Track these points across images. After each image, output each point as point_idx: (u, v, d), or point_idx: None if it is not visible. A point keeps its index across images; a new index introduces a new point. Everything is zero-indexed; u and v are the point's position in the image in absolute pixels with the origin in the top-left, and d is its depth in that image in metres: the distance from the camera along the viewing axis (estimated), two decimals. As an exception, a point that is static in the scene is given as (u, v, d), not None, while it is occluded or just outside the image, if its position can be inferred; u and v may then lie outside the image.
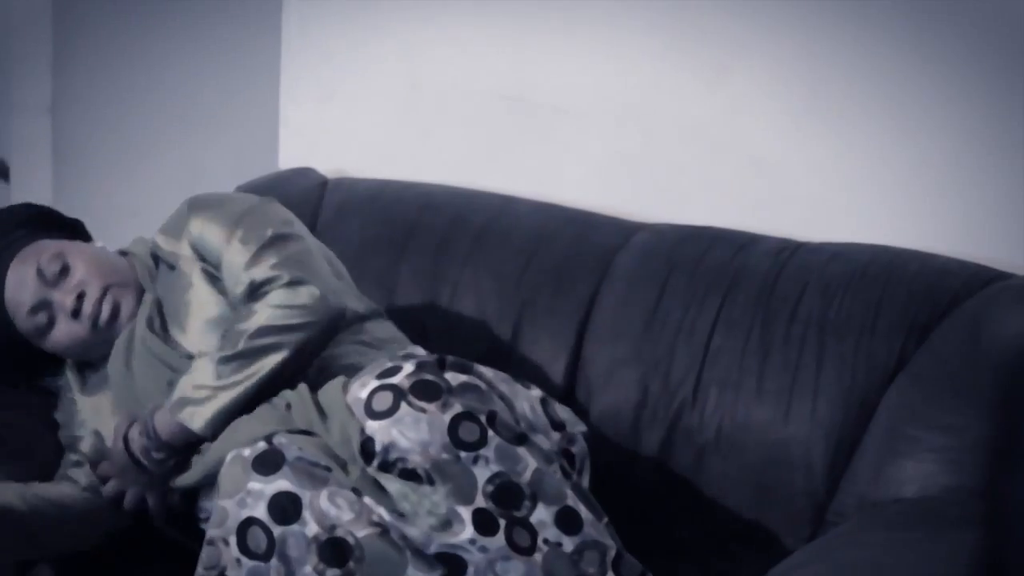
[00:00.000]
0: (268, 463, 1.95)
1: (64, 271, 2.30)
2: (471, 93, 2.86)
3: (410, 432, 1.95)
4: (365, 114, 3.01)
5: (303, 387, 2.08)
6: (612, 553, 1.99)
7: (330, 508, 1.92)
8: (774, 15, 2.52)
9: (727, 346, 2.36)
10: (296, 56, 3.06)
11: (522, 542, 1.95)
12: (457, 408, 1.98)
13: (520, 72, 2.80)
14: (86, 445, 2.28)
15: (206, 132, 3.48)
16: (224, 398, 2.10)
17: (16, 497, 2.18)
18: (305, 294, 2.14)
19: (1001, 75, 2.36)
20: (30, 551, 2.19)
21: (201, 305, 2.26)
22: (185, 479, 2.14)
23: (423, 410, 1.96)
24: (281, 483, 1.93)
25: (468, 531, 1.94)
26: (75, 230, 2.43)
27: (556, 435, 2.13)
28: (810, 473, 2.25)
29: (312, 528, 1.92)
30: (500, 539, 1.94)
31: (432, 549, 1.93)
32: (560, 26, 2.74)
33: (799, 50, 2.52)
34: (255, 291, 2.17)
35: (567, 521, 1.98)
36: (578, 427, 2.18)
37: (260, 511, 1.92)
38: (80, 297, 2.28)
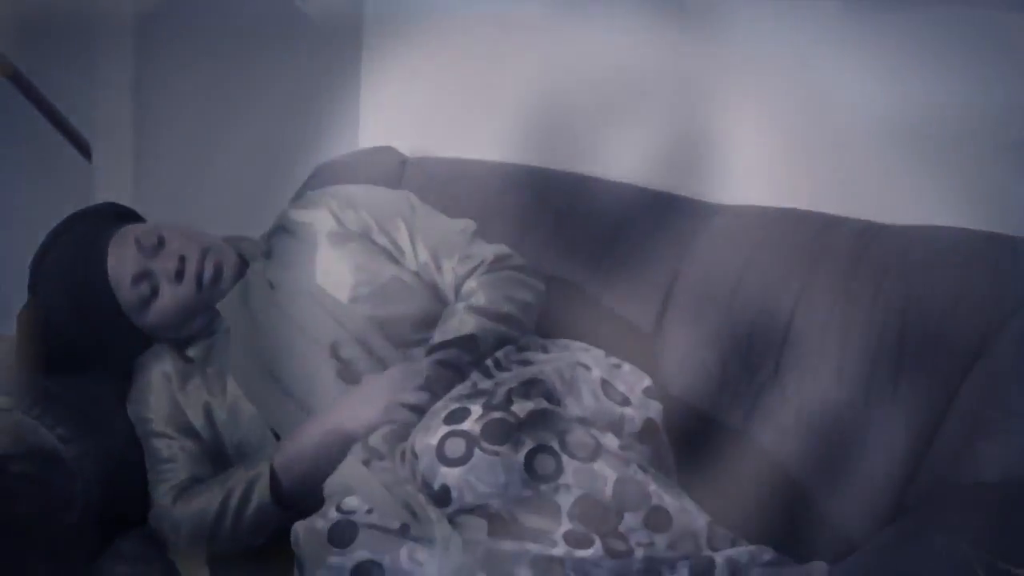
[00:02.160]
0: (343, 534, 1.97)
1: (161, 243, 2.36)
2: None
3: (487, 476, 1.96)
4: (446, 93, 3.02)
5: None
6: (704, 534, 1.99)
7: (413, 567, 1.94)
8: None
9: (808, 328, 2.36)
10: (376, 36, 3.08)
11: (619, 547, 1.96)
12: (529, 444, 1.99)
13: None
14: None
15: (286, 111, 3.50)
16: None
17: None
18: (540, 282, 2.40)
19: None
20: None
21: (327, 262, 2.36)
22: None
23: (496, 453, 1.97)
24: (360, 553, 1.95)
25: (561, 548, 1.95)
26: None
27: (625, 411, 2.14)
28: (890, 455, 2.24)
29: None
30: (598, 550, 1.95)
31: (523, 566, 1.94)
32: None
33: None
34: (495, 263, 2.37)
35: (656, 521, 1.98)
36: (648, 410, 2.18)
37: None
38: (182, 260, 2.33)
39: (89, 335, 2.37)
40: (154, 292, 2.35)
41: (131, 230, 2.38)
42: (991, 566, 1.75)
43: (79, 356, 2.39)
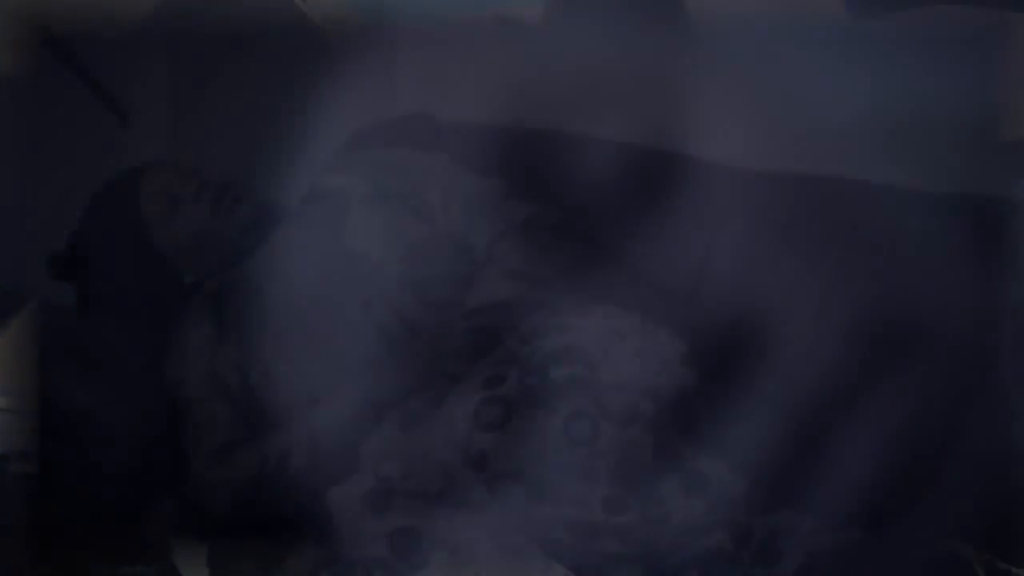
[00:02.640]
0: (379, 500, 1.98)
1: (195, 171, 2.44)
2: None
3: (524, 441, 1.96)
4: (481, 58, 3.01)
5: None
6: (743, 500, 2.00)
7: (449, 532, 1.94)
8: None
9: (845, 297, 2.35)
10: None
11: (656, 512, 1.96)
12: (566, 409, 1.99)
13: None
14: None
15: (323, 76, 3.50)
16: None
17: None
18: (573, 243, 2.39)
19: None
20: None
21: (360, 224, 2.39)
22: None
23: (534, 419, 1.97)
24: (396, 518, 1.97)
25: (598, 512, 1.95)
26: None
27: (661, 377, 2.14)
28: (931, 425, 2.24)
29: (437, 556, 1.94)
30: (635, 514, 1.95)
31: (560, 531, 1.95)
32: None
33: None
34: (528, 223, 2.38)
35: (692, 485, 1.99)
36: (684, 376, 2.18)
37: (381, 550, 1.95)
38: (203, 183, 2.41)
39: (119, 257, 2.42)
40: (173, 208, 2.39)
41: (172, 162, 2.49)
42: (991, 566, 1.75)
43: (114, 293, 2.42)
